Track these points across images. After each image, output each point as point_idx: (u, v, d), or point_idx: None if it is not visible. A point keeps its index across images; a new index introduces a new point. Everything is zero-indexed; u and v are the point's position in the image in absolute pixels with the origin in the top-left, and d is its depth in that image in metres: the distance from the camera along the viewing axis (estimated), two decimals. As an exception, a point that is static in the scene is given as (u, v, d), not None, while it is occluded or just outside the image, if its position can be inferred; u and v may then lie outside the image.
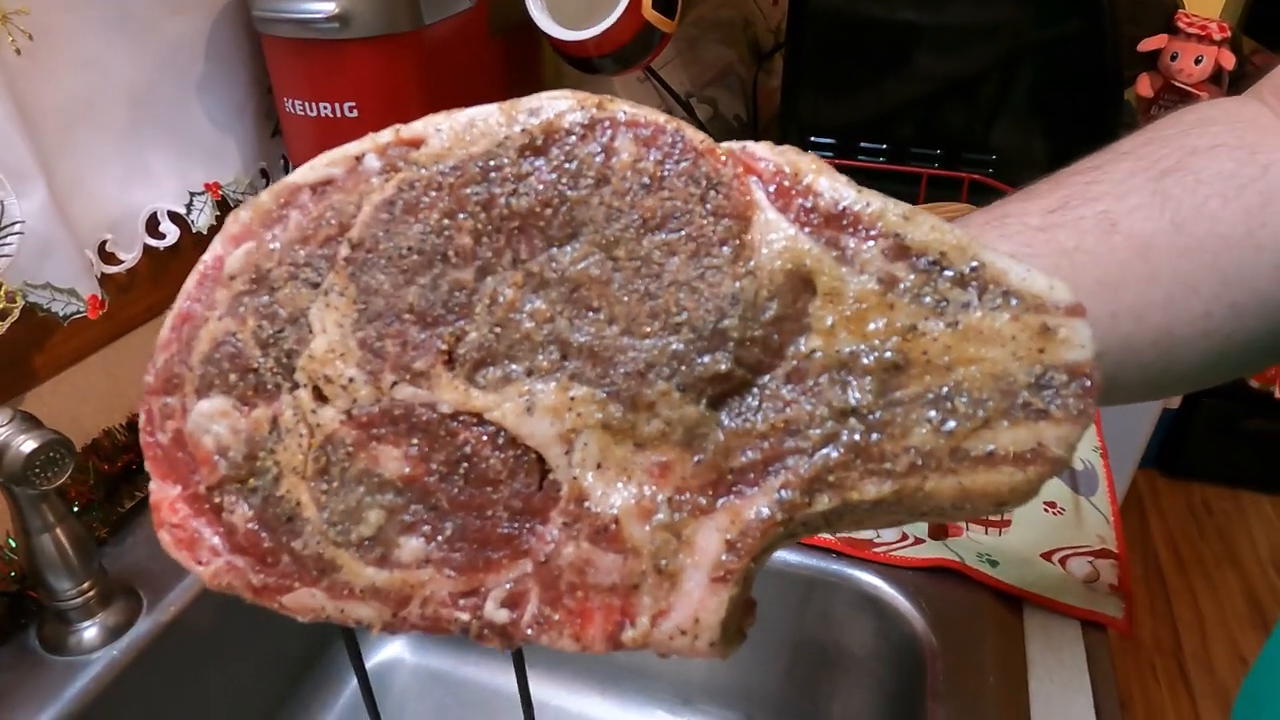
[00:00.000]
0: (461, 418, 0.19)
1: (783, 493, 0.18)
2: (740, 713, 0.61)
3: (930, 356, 0.18)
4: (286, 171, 0.64)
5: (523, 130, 0.19)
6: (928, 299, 0.18)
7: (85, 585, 0.46)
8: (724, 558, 0.18)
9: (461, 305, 0.19)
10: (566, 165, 0.19)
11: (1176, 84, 1.75)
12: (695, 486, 0.18)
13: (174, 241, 0.55)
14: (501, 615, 0.20)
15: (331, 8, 0.49)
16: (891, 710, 0.52)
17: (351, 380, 0.20)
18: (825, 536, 0.53)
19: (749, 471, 0.18)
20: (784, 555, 0.53)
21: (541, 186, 0.19)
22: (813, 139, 0.99)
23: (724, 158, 0.19)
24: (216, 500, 0.21)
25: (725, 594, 0.18)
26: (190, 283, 0.21)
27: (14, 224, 0.42)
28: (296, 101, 0.54)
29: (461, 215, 0.19)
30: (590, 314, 0.19)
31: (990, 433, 0.18)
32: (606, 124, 0.19)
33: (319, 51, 0.52)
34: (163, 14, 0.52)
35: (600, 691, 0.64)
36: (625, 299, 0.18)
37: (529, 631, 0.20)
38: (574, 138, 0.19)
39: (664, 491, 0.18)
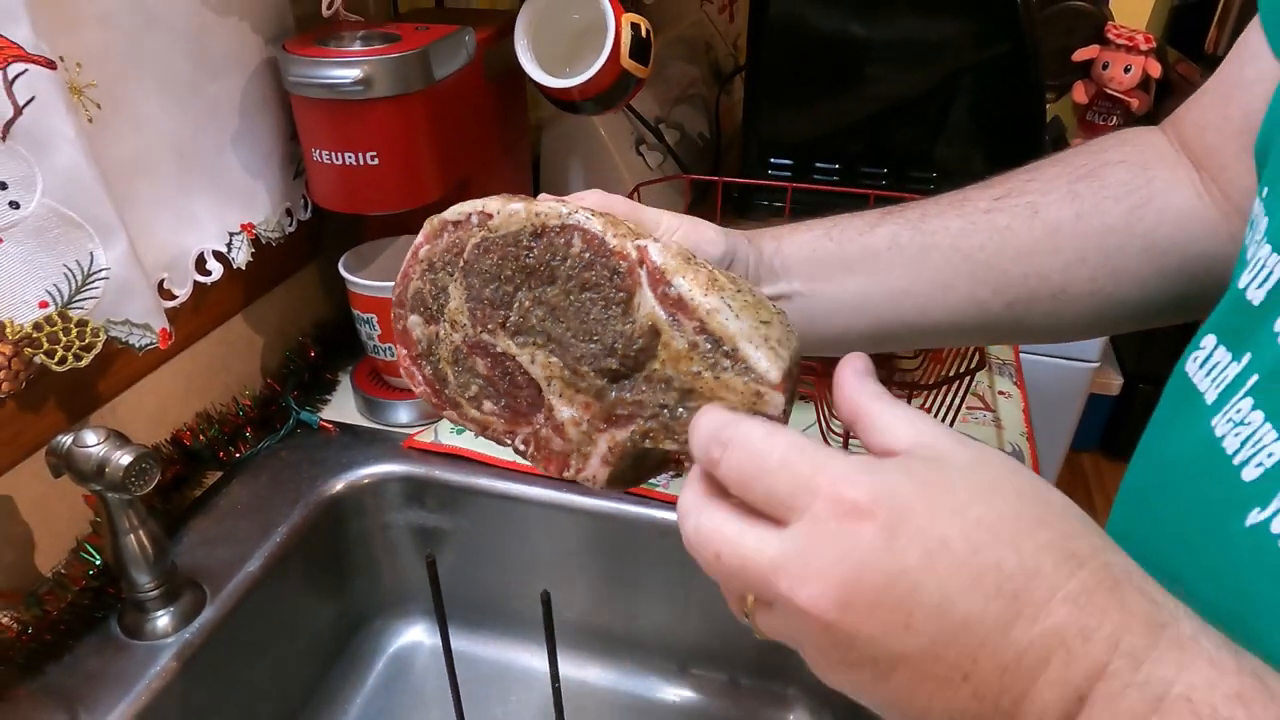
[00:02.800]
0: (506, 355, 0.35)
1: (632, 434, 0.34)
2: (726, 674, 0.70)
3: (703, 390, 0.31)
4: (307, 209, 0.71)
5: (531, 224, 0.33)
6: (710, 359, 0.31)
7: (160, 579, 0.53)
8: (605, 453, 0.34)
9: (508, 302, 0.35)
10: (550, 246, 0.33)
11: (1108, 91, 1.87)
12: (599, 418, 0.34)
13: (218, 277, 0.62)
14: (521, 447, 0.37)
15: (357, 74, 0.57)
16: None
17: (464, 325, 0.36)
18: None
19: (622, 419, 0.34)
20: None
21: (538, 254, 0.33)
22: (772, 160, 1.09)
23: (631, 254, 0.32)
24: (418, 363, 0.38)
25: (607, 470, 0.35)
26: (409, 255, 0.37)
27: (101, 270, 0.49)
28: (324, 152, 0.61)
29: (506, 260, 0.34)
30: (559, 323, 0.33)
31: None
32: (571, 229, 0.33)
33: (344, 110, 0.59)
34: (203, 79, 0.59)
35: (601, 662, 0.72)
36: (574, 321, 0.33)
37: (531, 458, 0.37)
38: (553, 233, 0.33)
39: (586, 416, 0.34)
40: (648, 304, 0.31)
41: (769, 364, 0.30)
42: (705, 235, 0.39)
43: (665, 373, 0.32)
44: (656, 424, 0.33)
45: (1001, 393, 0.76)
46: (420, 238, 0.37)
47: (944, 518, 0.23)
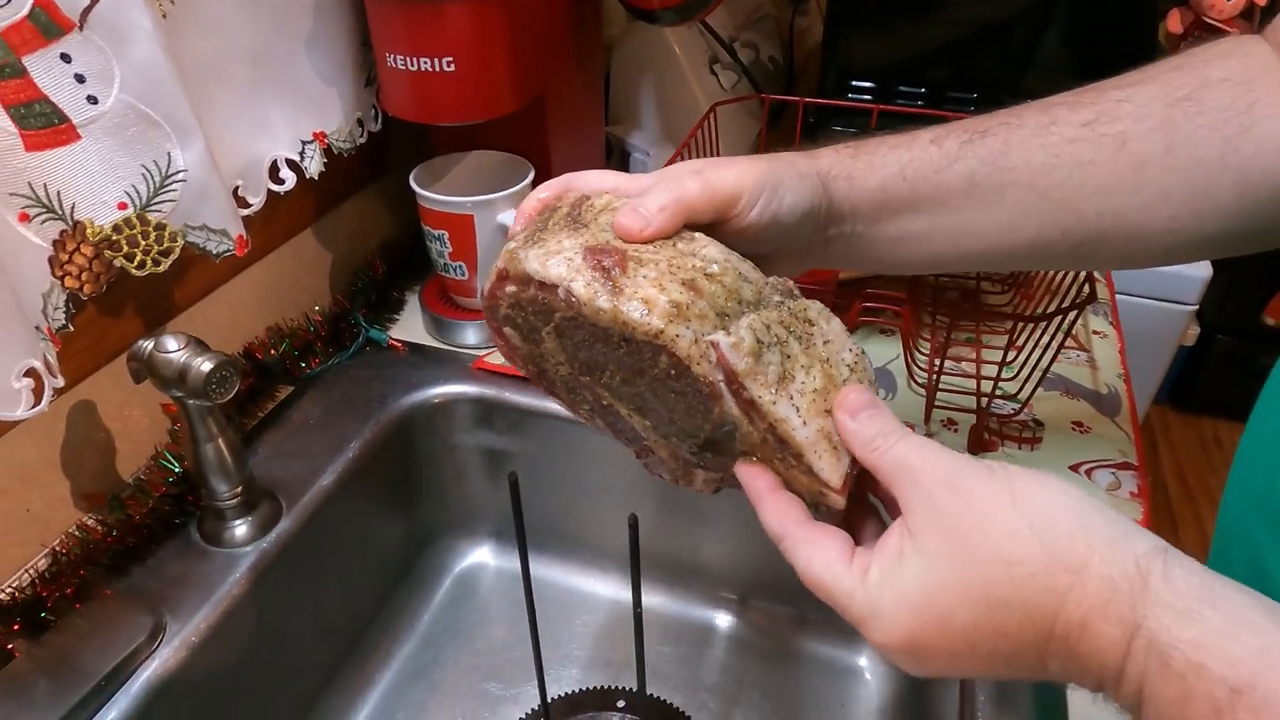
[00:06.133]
0: (607, 405, 0.37)
1: (722, 477, 0.37)
2: (794, 608, 0.69)
3: (777, 470, 0.34)
4: (377, 120, 0.69)
5: (619, 330, 0.32)
6: (779, 455, 0.33)
7: (239, 488, 0.53)
8: (703, 481, 0.38)
9: (602, 367, 0.35)
10: (637, 353, 0.33)
11: (1207, 20, 1.74)
12: (682, 461, 0.37)
13: (291, 186, 0.60)
14: (633, 455, 0.40)
15: (435, -29, 0.54)
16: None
17: (565, 366, 0.37)
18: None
19: (702, 469, 0.37)
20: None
21: (627, 352, 0.33)
22: (853, 82, 1.03)
23: (712, 367, 0.32)
24: (519, 358, 0.39)
25: (709, 489, 0.38)
26: (493, 275, 0.36)
27: (178, 173, 0.48)
28: (398, 57, 0.59)
29: (596, 340, 0.34)
30: (649, 403, 0.35)
31: None
32: (659, 350, 0.32)
33: (420, 10, 0.56)
34: (275, -24, 0.57)
35: (665, 590, 0.72)
36: (662, 407, 0.35)
37: (644, 466, 0.40)
38: (641, 345, 0.32)
39: (678, 456, 0.37)
40: (728, 404, 0.33)
41: (830, 471, 0.32)
42: (784, 206, 0.38)
43: (745, 449, 0.34)
44: (731, 484, 0.37)
45: (1097, 332, 0.72)
46: (506, 268, 0.35)
47: (940, 636, 0.29)
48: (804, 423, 0.32)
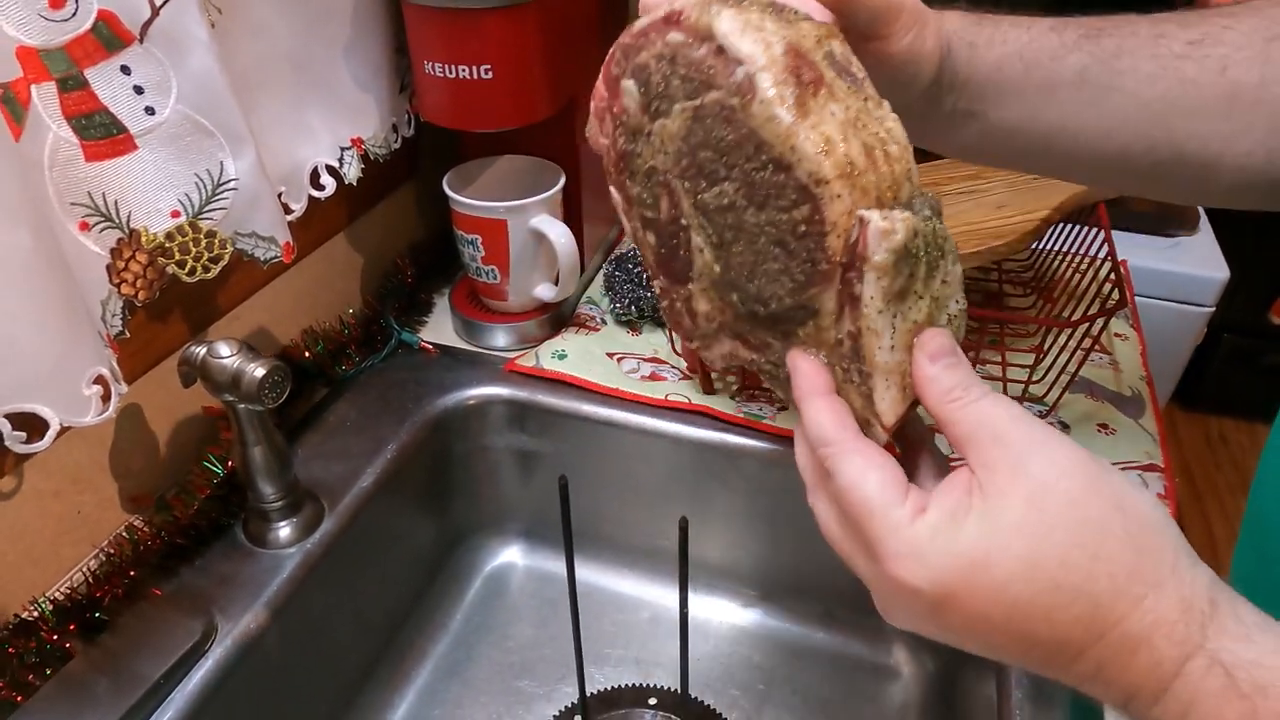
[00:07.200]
0: (684, 224, 0.33)
1: (752, 361, 0.34)
2: (820, 605, 0.70)
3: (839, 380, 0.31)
4: (411, 126, 0.70)
5: (781, 156, 0.28)
6: (845, 364, 0.30)
7: (284, 490, 0.54)
8: (725, 354, 0.35)
9: (712, 181, 0.30)
10: (781, 185, 0.28)
11: None
12: (729, 329, 0.34)
13: (331, 192, 0.61)
14: (658, 293, 0.37)
15: (476, -20, 0.55)
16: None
17: (668, 158, 0.32)
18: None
19: (748, 343, 0.34)
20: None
21: (766, 179, 0.29)
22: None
23: (842, 252, 0.28)
24: (615, 119, 0.33)
25: (723, 363, 0.36)
26: (658, 11, 0.30)
27: (229, 181, 0.49)
28: (436, 64, 0.59)
29: (737, 149, 0.29)
30: (738, 243, 0.31)
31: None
32: (813, 198, 0.28)
33: (459, 21, 0.57)
34: (315, -15, 0.57)
35: (694, 589, 0.73)
36: (750, 255, 0.30)
37: (664, 311, 0.37)
38: (797, 187, 0.28)
39: (719, 319, 0.34)
40: (829, 289, 0.29)
41: (889, 407, 0.29)
42: (927, 47, 0.37)
43: (807, 341, 0.31)
44: (775, 373, 0.33)
45: (1118, 334, 0.73)
46: (685, 11, 0.29)
47: (983, 599, 0.27)
48: (891, 348, 0.29)
